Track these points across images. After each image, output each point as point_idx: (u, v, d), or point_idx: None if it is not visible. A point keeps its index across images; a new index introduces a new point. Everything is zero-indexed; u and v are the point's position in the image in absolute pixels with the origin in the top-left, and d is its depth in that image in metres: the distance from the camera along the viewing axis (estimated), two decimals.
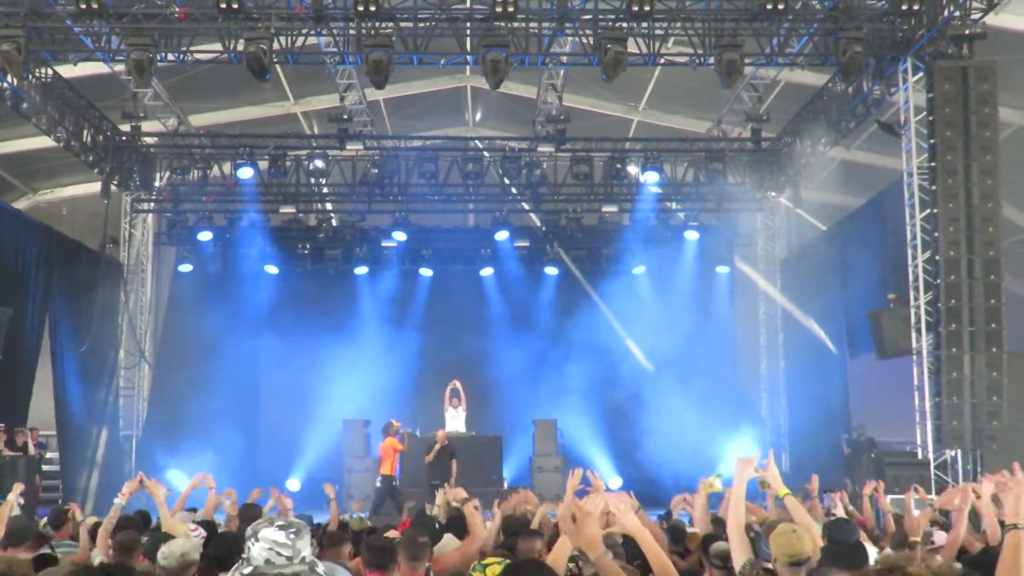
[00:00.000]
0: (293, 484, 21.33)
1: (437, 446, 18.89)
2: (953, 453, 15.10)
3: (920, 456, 15.72)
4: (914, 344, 15.98)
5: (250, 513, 9.35)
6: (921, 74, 15.82)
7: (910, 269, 16.08)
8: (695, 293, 23.87)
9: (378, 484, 18.95)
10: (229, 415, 21.96)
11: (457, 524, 7.76)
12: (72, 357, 20.67)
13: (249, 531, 3.64)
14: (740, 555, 5.33)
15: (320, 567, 3.51)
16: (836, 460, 19.45)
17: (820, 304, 21.40)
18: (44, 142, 19.52)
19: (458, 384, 21.20)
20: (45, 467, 19.38)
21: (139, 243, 23.70)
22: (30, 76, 17.15)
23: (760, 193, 22.89)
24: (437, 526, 8.19)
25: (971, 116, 15.00)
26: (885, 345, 16.97)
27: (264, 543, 3.51)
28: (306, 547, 3.59)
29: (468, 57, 17.20)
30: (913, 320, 16.00)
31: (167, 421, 22.53)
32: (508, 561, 4.52)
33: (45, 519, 9.68)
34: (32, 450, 18.34)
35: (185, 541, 5.95)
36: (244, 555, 3.62)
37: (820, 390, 21.26)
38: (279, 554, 3.49)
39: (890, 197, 17.78)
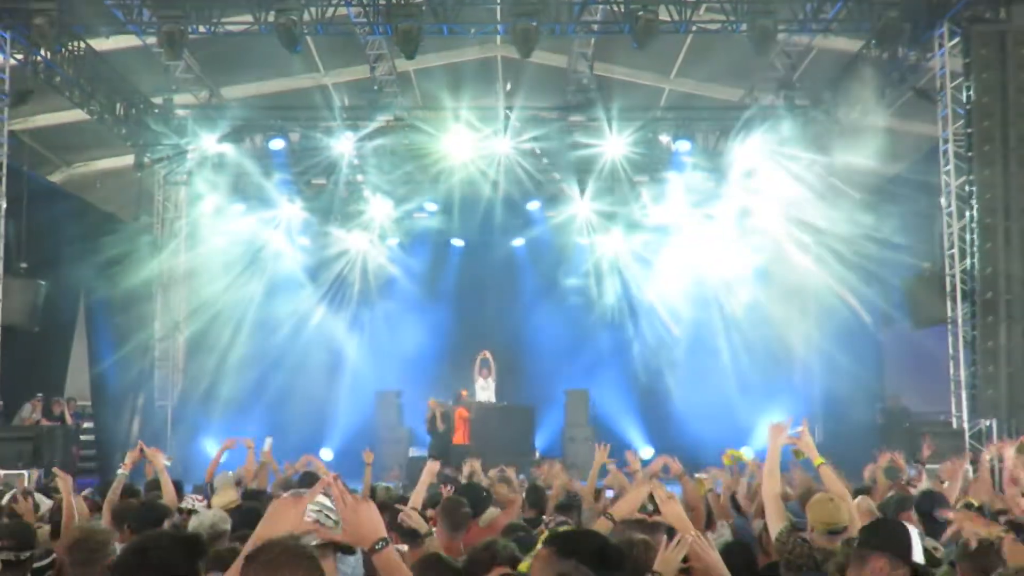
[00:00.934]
0: (326, 454, 21.54)
1: (429, 414, 19.17)
2: (988, 423, 14.97)
3: (955, 426, 15.61)
4: (949, 313, 15.83)
5: (309, 482, 9.37)
6: (958, 39, 15.59)
7: (945, 237, 15.91)
8: (727, 262, 23.73)
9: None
10: (263, 386, 22.20)
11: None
12: (107, 329, 20.88)
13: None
14: (776, 523, 5.33)
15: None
16: (870, 430, 19.35)
17: (854, 273, 21.23)
18: (77, 115, 19.61)
19: (488, 355, 21.26)
20: (82, 437, 19.63)
21: (172, 215, 23.85)
22: (63, 49, 17.22)
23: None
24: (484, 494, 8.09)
25: (1009, 81, 14.78)
26: (920, 314, 16.84)
27: (313, 505, 3.55)
28: None
29: (498, 26, 17.11)
30: (948, 289, 15.85)
31: (202, 392, 22.77)
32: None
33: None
34: (69, 420, 18.57)
35: (215, 512, 6.03)
36: None
37: (854, 360, 21.09)
38: (328, 516, 3.53)
39: (925, 164, 17.57)
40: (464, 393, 19.85)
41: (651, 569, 4.45)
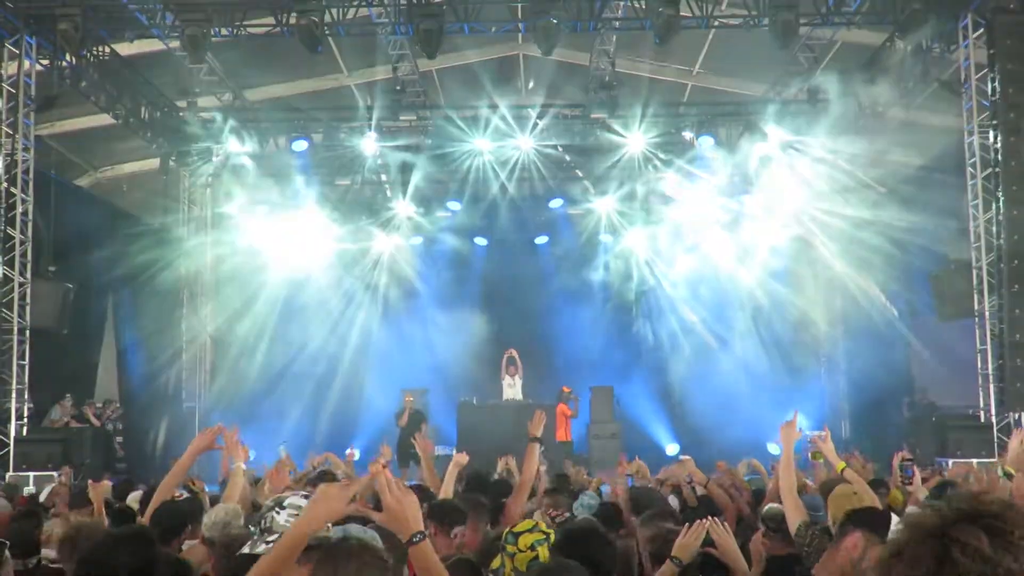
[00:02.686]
0: (353, 453, 21.60)
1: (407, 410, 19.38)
2: (1016, 416, 14.85)
3: (983, 419, 15.50)
4: (976, 306, 15.72)
5: (324, 480, 9.38)
6: (982, 30, 15.47)
7: (972, 229, 15.79)
8: (752, 257, 23.64)
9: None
10: (290, 385, 22.32)
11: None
12: (135, 330, 21.05)
13: (272, 502, 3.69)
14: (795, 518, 5.34)
15: (336, 530, 3.43)
16: (897, 425, 19.23)
17: (880, 267, 21.09)
18: (103, 120, 19.76)
19: (514, 353, 21.25)
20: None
21: (198, 217, 23.99)
22: (88, 54, 17.37)
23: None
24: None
25: None
26: (947, 308, 16.72)
27: (291, 509, 3.55)
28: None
29: (520, 24, 17.12)
30: (975, 281, 15.73)
31: (229, 393, 22.88)
32: (541, 525, 4.53)
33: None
34: (95, 422, 18.65)
35: (231, 507, 5.71)
36: (264, 525, 3.64)
37: (880, 354, 20.96)
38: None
39: (951, 156, 17.44)
40: (567, 390, 19.91)
41: (670, 554, 4.53)
